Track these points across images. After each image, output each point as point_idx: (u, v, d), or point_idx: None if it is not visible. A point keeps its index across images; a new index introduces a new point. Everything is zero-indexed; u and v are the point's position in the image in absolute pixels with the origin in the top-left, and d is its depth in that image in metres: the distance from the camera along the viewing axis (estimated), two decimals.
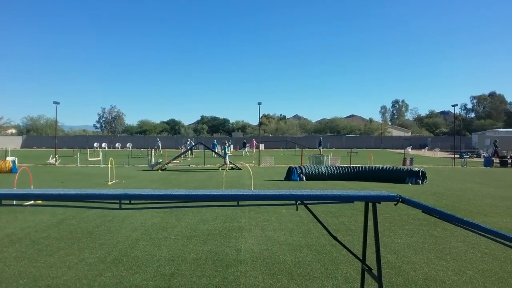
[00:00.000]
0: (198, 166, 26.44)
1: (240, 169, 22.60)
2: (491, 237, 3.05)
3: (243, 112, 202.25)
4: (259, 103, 29.46)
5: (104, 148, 59.57)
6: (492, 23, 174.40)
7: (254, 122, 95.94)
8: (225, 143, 24.80)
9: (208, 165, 26.46)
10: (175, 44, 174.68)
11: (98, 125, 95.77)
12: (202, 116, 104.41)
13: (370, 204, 3.36)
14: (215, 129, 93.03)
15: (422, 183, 16.25)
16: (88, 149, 42.01)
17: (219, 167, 23.77)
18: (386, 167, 18.54)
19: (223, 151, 24.96)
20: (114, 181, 16.54)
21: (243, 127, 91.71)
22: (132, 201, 2.92)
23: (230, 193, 2.93)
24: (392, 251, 6.57)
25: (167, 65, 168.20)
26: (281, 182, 16.89)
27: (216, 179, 17.41)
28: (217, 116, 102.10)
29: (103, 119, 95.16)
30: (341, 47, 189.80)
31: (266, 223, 8.59)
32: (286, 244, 6.90)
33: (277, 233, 7.70)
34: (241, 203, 2.96)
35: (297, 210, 3.36)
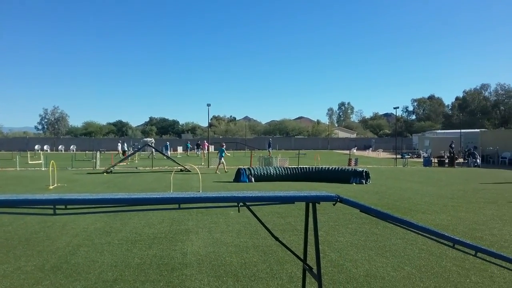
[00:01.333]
0: (146, 168, 25.91)
1: (189, 171, 22.37)
2: (421, 233, 3.22)
3: (193, 113, 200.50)
4: (208, 105, 29.36)
5: (46, 150, 56.84)
6: (431, 29, 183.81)
7: (204, 123, 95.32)
8: (222, 145, 24.47)
9: (156, 168, 25.99)
10: (120, 44, 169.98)
11: (40, 127, 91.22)
12: (150, 118, 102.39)
13: (310, 204, 3.44)
14: (164, 131, 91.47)
15: (365, 183, 16.84)
16: (29, 152, 39.90)
17: (216, 171, 22.89)
18: (332, 167, 19.05)
19: (218, 153, 24.47)
20: (56, 185, 15.85)
21: (193, 129, 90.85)
22: (68, 206, 2.82)
23: (171, 196, 2.90)
24: (336, 249, 6.77)
25: (114, 66, 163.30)
26: (230, 184, 16.90)
27: (164, 181, 17.13)
28: (166, 118, 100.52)
29: (45, 120, 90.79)
30: (289, 49, 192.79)
31: (214, 225, 8.56)
32: (233, 246, 6.91)
33: (224, 235, 7.69)
34: (182, 205, 2.94)
35: (238, 211, 3.38)
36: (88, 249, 6.74)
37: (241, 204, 3.12)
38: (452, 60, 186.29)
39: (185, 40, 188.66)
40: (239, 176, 17.75)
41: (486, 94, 75.15)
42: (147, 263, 5.93)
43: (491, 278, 5.40)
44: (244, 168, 18.20)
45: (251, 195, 3.17)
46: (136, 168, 26.24)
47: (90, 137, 73.75)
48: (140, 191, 14.46)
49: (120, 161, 25.81)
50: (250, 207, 3.54)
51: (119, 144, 45.61)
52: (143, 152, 41.19)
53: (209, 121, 41.28)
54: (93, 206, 2.83)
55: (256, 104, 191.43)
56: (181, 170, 22.88)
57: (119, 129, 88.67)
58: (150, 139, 44.08)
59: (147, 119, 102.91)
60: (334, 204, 3.39)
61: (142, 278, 5.31)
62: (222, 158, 23.40)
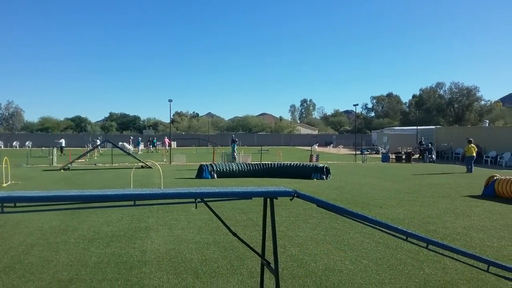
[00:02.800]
0: (106, 165, 25.30)
1: (150, 167, 22.03)
2: (376, 227, 3.32)
3: (155, 109, 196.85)
4: (170, 100, 28.94)
5: (0, 147, 54.48)
6: (389, 28, 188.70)
7: (167, 119, 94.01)
8: (235, 140, 24.67)
9: (116, 164, 25.41)
10: (77, 38, 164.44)
11: None
12: (110, 113, 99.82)
13: (268, 200, 3.46)
14: (125, 127, 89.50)
15: (326, 178, 17.13)
16: None
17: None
18: (294, 163, 19.27)
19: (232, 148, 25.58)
20: (9, 182, 15.20)
21: (155, 125, 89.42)
22: (18, 204, 2.70)
23: (125, 192, 2.84)
24: (296, 244, 6.85)
25: (72, 60, 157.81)
26: (192, 180, 16.77)
27: (124, 178, 16.79)
28: (127, 113, 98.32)
29: None
30: (252, 45, 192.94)
31: (175, 222, 8.48)
32: (194, 243, 6.87)
33: (185, 232, 7.63)
34: (137, 202, 2.89)
35: (196, 208, 3.36)
36: (43, 248, 6.52)
37: (199, 200, 3.10)
38: (409, 58, 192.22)
39: (145, 34, 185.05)
40: (201, 173, 17.64)
41: (441, 92, 77.98)
42: (104, 262, 5.80)
43: (444, 270, 5.63)
44: (206, 165, 18.10)
45: (208, 191, 3.16)
46: (95, 164, 25.57)
47: (47, 133, 71.12)
48: (98, 188, 14.10)
49: (78, 158, 25.04)
50: (209, 203, 3.53)
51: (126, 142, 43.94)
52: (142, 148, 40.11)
53: (172, 117, 40.77)
54: (43, 204, 2.73)
55: (219, 100, 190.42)
56: (142, 167, 22.49)
57: (78, 125, 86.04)
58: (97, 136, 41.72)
59: (107, 115, 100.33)
60: (291, 199, 3.42)
61: (99, 277, 5.19)
62: (235, 153, 24.36)
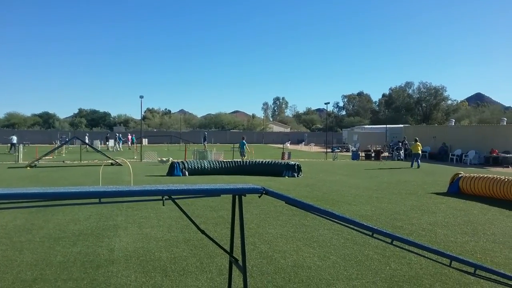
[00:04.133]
0: (74, 162, 24.71)
1: (121, 165, 21.66)
2: (342, 223, 3.37)
3: (125, 105, 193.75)
4: (141, 97, 28.54)
5: None
6: (360, 28, 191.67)
7: (138, 116, 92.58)
8: (243, 138, 25.64)
9: (85, 161, 24.86)
10: (44, 33, 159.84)
11: None
12: (80, 109, 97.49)
13: (237, 197, 3.46)
14: (94, 123, 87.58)
15: (297, 176, 17.28)
16: None
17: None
18: (266, 161, 19.34)
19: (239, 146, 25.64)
20: None
21: (126, 121, 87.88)
22: None
23: (90, 190, 2.78)
24: (266, 241, 6.89)
25: (40, 55, 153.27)
26: (163, 178, 16.60)
27: (93, 176, 16.45)
28: (97, 109, 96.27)
29: None
30: (225, 42, 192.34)
31: (144, 220, 8.37)
32: (163, 241, 6.81)
33: (155, 230, 7.55)
34: (103, 200, 2.84)
35: (163, 205, 3.33)
36: (6, 247, 6.32)
37: (166, 197, 3.07)
38: (379, 58, 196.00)
39: (116, 30, 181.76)
40: (172, 170, 17.48)
41: (410, 91, 79.81)
42: (70, 261, 5.67)
43: (409, 265, 5.78)
44: (177, 162, 17.95)
45: (175, 188, 3.13)
46: (63, 162, 24.94)
47: (13, 129, 68.83)
48: (66, 186, 13.77)
49: (45, 155, 24.36)
50: (178, 201, 3.50)
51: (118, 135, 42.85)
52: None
53: (143, 114, 40.16)
54: (6, 202, 2.64)
55: (192, 97, 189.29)
56: (112, 164, 22.10)
57: (46, 121, 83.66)
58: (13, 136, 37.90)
59: (76, 111, 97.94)
60: (259, 196, 3.44)
61: (65, 276, 5.07)
62: (244, 151, 24.83)
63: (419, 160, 23.65)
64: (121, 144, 45.37)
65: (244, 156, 24.73)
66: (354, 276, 5.26)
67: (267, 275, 5.22)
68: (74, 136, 38.93)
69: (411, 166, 23.45)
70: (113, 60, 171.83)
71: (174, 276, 5.14)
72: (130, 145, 45.22)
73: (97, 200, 2.87)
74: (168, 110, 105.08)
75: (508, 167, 24.31)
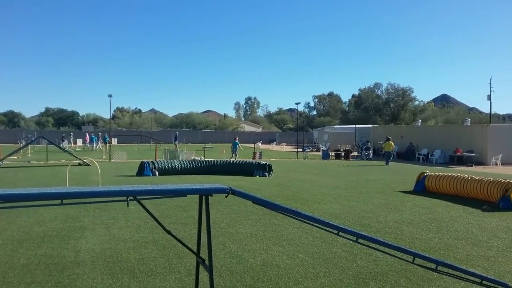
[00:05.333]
0: (40, 162, 24.02)
1: (89, 165, 21.22)
2: (309, 222, 3.42)
3: (94, 104, 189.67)
4: (110, 95, 28.00)
5: None
6: (330, 28, 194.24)
7: (107, 115, 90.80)
8: (235, 138, 26.87)
9: (51, 161, 24.22)
10: (12, 32, 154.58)
11: None
12: (46, 108, 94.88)
13: (204, 197, 3.46)
14: (62, 122, 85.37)
15: (268, 175, 17.37)
16: None
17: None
18: (237, 160, 19.35)
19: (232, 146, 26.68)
20: None
21: (95, 121, 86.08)
22: None
23: (51, 191, 2.71)
24: (235, 240, 6.89)
25: (3, 53, 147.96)
26: (132, 178, 16.37)
27: (60, 176, 16.05)
28: (64, 108, 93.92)
29: None
30: (196, 41, 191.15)
31: (112, 221, 8.24)
32: (131, 242, 6.71)
33: (123, 231, 7.44)
34: (65, 201, 2.77)
35: (128, 206, 3.29)
36: None
37: (131, 198, 3.04)
38: (349, 59, 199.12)
39: (84, 27, 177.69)
40: (142, 170, 17.25)
41: (379, 92, 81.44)
42: (34, 263, 5.52)
43: (375, 262, 5.90)
44: (147, 162, 17.73)
45: (141, 189, 3.10)
46: (29, 162, 24.21)
47: None
48: (31, 186, 13.38)
49: (10, 154, 23.59)
50: (147, 201, 3.46)
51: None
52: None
53: (113, 113, 39.43)
54: None
55: (163, 96, 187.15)
56: (80, 164, 21.62)
57: (10, 120, 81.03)
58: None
59: (43, 110, 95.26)
60: (226, 196, 3.44)
61: (28, 279, 4.94)
62: (236, 150, 25.67)
63: (390, 159, 25.05)
64: (95, 143, 44.36)
65: (235, 156, 25.22)
66: (322, 274, 5.33)
67: (236, 275, 5.23)
68: (40, 135, 37.81)
69: (386, 164, 24.58)
70: (81, 58, 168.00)
71: (142, 277, 5.08)
72: (100, 145, 44.23)
73: (59, 202, 2.81)
74: (139, 109, 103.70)
75: (472, 166, 25.15)
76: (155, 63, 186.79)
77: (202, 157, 23.84)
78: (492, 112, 57.62)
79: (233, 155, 25.84)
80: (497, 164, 25.00)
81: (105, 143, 43.36)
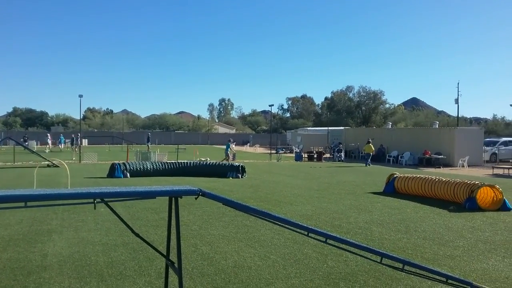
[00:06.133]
0: (7, 163, 23.28)
1: (58, 166, 20.71)
2: (279, 223, 3.44)
3: (64, 105, 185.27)
4: (80, 96, 27.44)
5: None
6: (300, 32, 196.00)
7: (77, 115, 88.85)
8: (229, 140, 27.43)
9: (19, 163, 23.51)
10: None
11: None
12: (14, 108, 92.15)
13: (173, 199, 3.43)
14: (30, 123, 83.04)
15: (241, 177, 17.37)
16: None
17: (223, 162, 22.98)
18: (210, 162, 19.27)
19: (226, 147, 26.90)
20: None
21: (65, 121, 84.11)
22: None
23: (14, 193, 2.64)
24: (207, 242, 6.87)
25: None
26: (103, 180, 16.08)
27: (28, 178, 15.61)
28: (33, 108, 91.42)
29: None
30: (169, 42, 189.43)
31: (81, 224, 8.07)
32: (101, 245, 6.59)
33: (92, 234, 7.30)
34: (29, 203, 2.70)
35: (94, 208, 3.23)
36: None
37: (99, 200, 2.99)
38: (322, 62, 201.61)
39: (54, 26, 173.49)
40: (113, 171, 16.96)
41: (351, 95, 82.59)
42: None
43: (345, 262, 5.99)
44: (118, 163, 17.44)
45: (109, 191, 3.06)
46: None
47: None
48: None
49: None
50: (116, 203, 3.41)
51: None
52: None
53: (83, 113, 38.60)
54: None
55: (135, 97, 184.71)
56: (48, 166, 21.09)
57: None
58: None
59: (10, 110, 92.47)
60: (196, 198, 3.44)
61: None
62: (228, 152, 25.74)
63: (369, 160, 26.42)
64: (62, 144, 43.30)
65: (227, 158, 25.41)
66: (293, 275, 5.38)
67: (207, 277, 5.21)
68: (8, 136, 36.66)
69: (366, 165, 25.85)
70: (50, 57, 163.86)
71: (111, 280, 5.00)
72: (64, 146, 43.18)
73: (22, 204, 2.73)
74: (110, 110, 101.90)
75: (440, 167, 25.81)
76: (128, 63, 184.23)
77: (208, 159, 23.89)
78: (459, 116, 59.38)
79: (226, 157, 25.85)
80: (463, 166, 25.75)
81: (73, 144, 42.12)
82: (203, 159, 23.98)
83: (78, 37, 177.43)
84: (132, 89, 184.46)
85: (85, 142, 48.12)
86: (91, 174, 18.13)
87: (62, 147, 43.02)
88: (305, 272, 5.51)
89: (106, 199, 3.04)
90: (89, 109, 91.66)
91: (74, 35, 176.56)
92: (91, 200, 2.98)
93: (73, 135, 44.56)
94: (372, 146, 26.75)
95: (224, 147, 29.09)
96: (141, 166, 17.72)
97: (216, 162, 19.26)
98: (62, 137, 44.44)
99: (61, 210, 9.27)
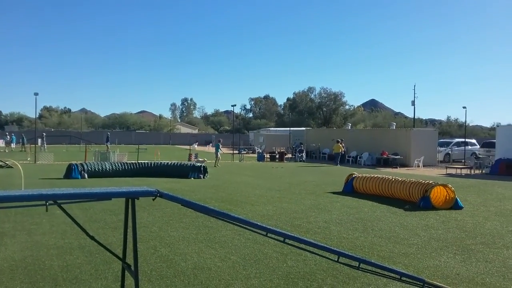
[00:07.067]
0: None
1: (11, 167, 19.88)
2: (238, 224, 3.46)
3: (19, 103, 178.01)
4: (36, 94, 26.45)
5: None
6: (262, 34, 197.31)
7: (32, 114, 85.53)
8: (219, 140, 27.37)
9: None
10: None
11: None
12: None
13: (130, 200, 3.39)
14: None
15: (203, 178, 17.28)
16: None
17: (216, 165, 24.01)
18: (172, 162, 19.06)
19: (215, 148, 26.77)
20: None
21: (19, 120, 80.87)
22: None
23: None
24: (167, 244, 6.80)
25: None
26: (59, 181, 15.58)
27: None
28: None
29: None
30: (131, 41, 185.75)
31: (35, 227, 7.79)
32: (55, 248, 6.39)
33: (47, 237, 7.07)
34: None
35: (46, 210, 3.13)
36: None
37: (51, 202, 2.90)
38: (285, 63, 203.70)
39: (6, 20, 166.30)
40: (70, 172, 16.45)
41: (312, 96, 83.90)
42: None
43: (304, 262, 6.07)
44: (76, 164, 16.95)
45: (62, 193, 2.97)
46: None
47: None
48: None
49: None
50: (71, 205, 3.33)
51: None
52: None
53: (39, 112, 37.24)
54: None
55: (95, 95, 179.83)
56: (1, 166, 20.22)
57: None
58: None
59: None
60: (153, 199, 3.40)
61: None
62: (218, 153, 25.49)
63: (338, 160, 27.45)
64: (13, 144, 41.59)
65: (217, 158, 25.43)
66: (252, 275, 5.41)
67: (166, 279, 5.16)
68: None
69: (337, 164, 26.82)
70: (4, 54, 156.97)
71: (66, 285, 4.86)
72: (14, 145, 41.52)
73: None
74: (68, 108, 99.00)
75: (397, 167, 26.62)
76: (87, 60, 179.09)
77: (206, 159, 23.87)
78: (415, 117, 61.46)
79: (217, 158, 25.79)
80: (419, 166, 26.68)
81: (23, 143, 40.38)
82: (201, 159, 24.01)
83: (33, 33, 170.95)
84: (91, 87, 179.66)
85: (39, 141, 46.33)
86: (46, 175, 17.53)
87: (14, 147, 41.30)
88: (264, 272, 5.55)
89: (59, 201, 2.96)
90: (45, 108, 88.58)
91: (29, 30, 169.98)
92: (43, 202, 2.89)
93: (22, 134, 42.92)
94: (341, 145, 27.67)
95: (189, 147, 28.84)
96: (100, 167, 17.30)
97: (178, 163, 19.05)
98: (14, 136, 42.66)
99: (13, 212, 8.91)
